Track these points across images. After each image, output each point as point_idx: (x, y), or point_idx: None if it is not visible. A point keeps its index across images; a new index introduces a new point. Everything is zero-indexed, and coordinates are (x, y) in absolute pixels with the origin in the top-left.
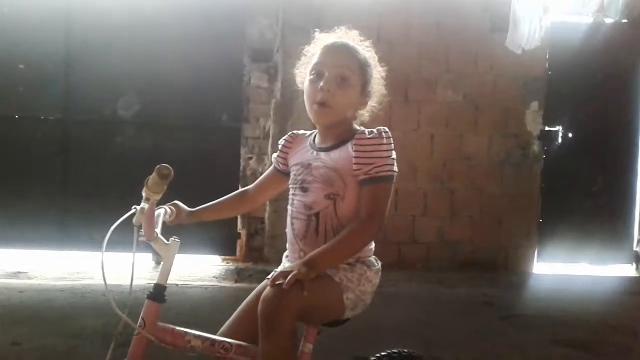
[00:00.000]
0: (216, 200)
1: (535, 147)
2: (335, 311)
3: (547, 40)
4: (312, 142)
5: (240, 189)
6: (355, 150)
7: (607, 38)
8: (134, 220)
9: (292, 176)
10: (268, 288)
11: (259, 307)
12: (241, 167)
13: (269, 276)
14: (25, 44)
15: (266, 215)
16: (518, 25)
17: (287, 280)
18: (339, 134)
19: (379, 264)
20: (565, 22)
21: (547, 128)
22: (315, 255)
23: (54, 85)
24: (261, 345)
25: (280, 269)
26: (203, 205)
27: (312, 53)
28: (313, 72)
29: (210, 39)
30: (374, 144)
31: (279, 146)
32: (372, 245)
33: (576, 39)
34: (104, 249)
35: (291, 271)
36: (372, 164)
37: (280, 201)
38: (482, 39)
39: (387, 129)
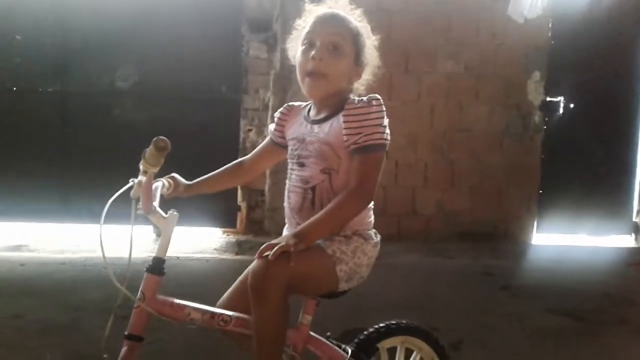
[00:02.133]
0: (213, 173)
1: (537, 117)
2: (328, 283)
3: (550, 9)
4: (306, 115)
5: (236, 161)
6: (344, 121)
7: (611, 7)
8: (132, 193)
9: (289, 151)
10: (256, 260)
11: (248, 279)
12: (241, 139)
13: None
14: (21, 15)
15: (266, 187)
16: None
17: (272, 252)
18: (332, 105)
19: (378, 237)
20: None
21: (548, 98)
22: (305, 227)
23: (51, 56)
24: (253, 316)
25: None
26: (200, 178)
27: (303, 26)
28: (305, 42)
29: (208, 9)
30: (362, 113)
31: (275, 119)
32: (372, 217)
33: (579, 8)
34: (102, 222)
35: (278, 243)
36: (360, 133)
37: (279, 173)
38: (483, 8)
39: (378, 97)
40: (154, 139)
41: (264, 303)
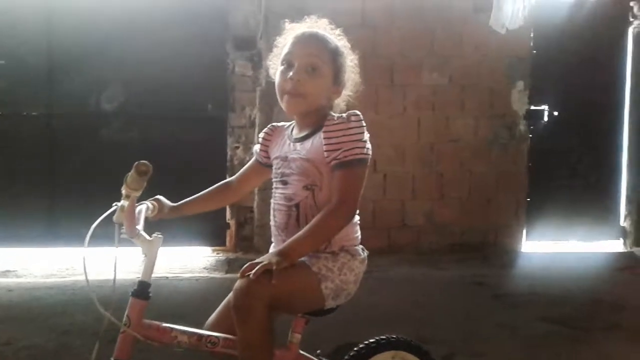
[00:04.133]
0: (199, 194)
1: (522, 126)
2: (314, 300)
3: (531, 19)
4: (289, 134)
5: (223, 182)
6: (324, 137)
7: (591, 15)
8: (114, 218)
9: (273, 170)
10: (239, 280)
11: (232, 298)
12: (228, 157)
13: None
14: (5, 38)
15: (255, 204)
16: (502, 5)
17: (254, 271)
18: (313, 123)
19: (365, 253)
20: (549, 0)
21: (533, 107)
22: (288, 245)
23: (37, 80)
24: (237, 336)
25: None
26: (186, 200)
27: (283, 44)
28: (284, 62)
29: (192, 29)
30: (341, 129)
31: (260, 139)
32: (358, 232)
33: (560, 16)
34: (85, 248)
35: (261, 262)
36: (340, 148)
37: (268, 190)
38: (466, 20)
39: (357, 112)
40: (135, 163)
41: (247, 322)
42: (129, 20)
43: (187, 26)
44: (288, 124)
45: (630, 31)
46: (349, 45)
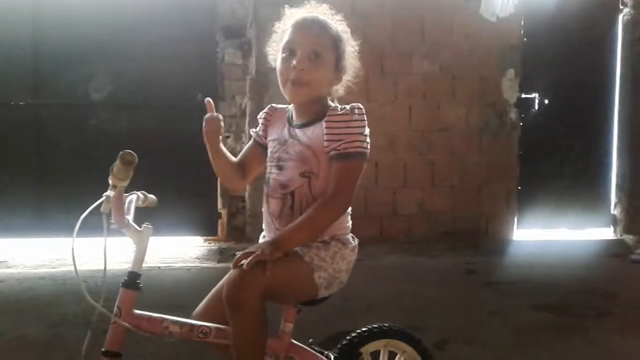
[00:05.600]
0: (230, 156)
1: (513, 114)
2: (307, 290)
3: (522, 7)
4: (289, 118)
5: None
6: (326, 127)
7: (582, 1)
8: (102, 208)
9: (269, 153)
10: (231, 270)
11: (224, 289)
12: None
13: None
14: None
15: (246, 194)
16: None
17: (247, 261)
18: (315, 110)
19: (356, 242)
20: None
21: (523, 95)
22: (282, 235)
23: (24, 69)
24: (230, 326)
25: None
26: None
27: (283, 30)
28: (285, 50)
29: (181, 17)
30: (344, 120)
31: (260, 120)
32: (349, 222)
33: (551, 4)
34: (74, 239)
35: (254, 252)
36: (341, 140)
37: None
38: (456, 8)
39: (360, 106)
40: (120, 152)
41: (241, 313)
42: (117, 10)
43: (176, 15)
44: (287, 106)
45: (621, 18)
46: (349, 30)
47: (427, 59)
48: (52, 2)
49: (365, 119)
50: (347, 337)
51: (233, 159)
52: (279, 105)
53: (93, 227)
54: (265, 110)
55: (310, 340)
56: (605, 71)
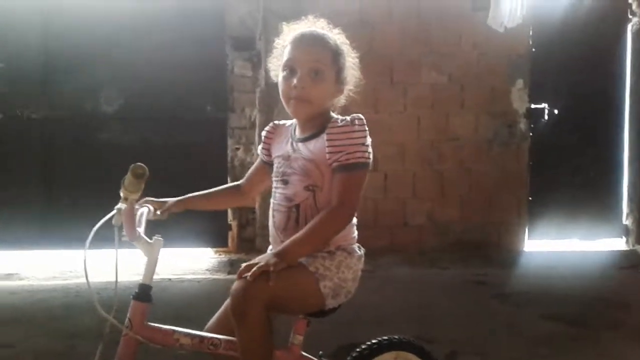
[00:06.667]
0: (208, 190)
1: (522, 125)
2: (313, 300)
3: (530, 16)
4: (292, 133)
5: (233, 183)
6: (327, 140)
7: (590, 11)
8: (114, 221)
9: (274, 169)
10: (235, 281)
11: (229, 301)
12: (229, 158)
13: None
14: (3, 42)
15: (257, 205)
16: (500, 3)
17: (251, 272)
18: (317, 124)
19: (362, 251)
20: None
21: (533, 105)
22: (286, 246)
23: (34, 83)
24: (236, 338)
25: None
26: (193, 194)
27: (283, 46)
28: (286, 68)
29: (190, 29)
30: (345, 132)
31: (262, 138)
32: (355, 233)
33: (559, 13)
34: (85, 252)
35: (257, 263)
36: (342, 151)
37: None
38: (464, 18)
39: (361, 116)
40: (131, 165)
41: (245, 324)
42: (127, 23)
43: (185, 27)
44: (290, 122)
45: (630, 28)
46: (348, 42)
47: (435, 69)
48: (63, 15)
49: (367, 129)
50: (357, 350)
51: (216, 190)
52: (281, 122)
53: (104, 239)
54: (267, 128)
55: (321, 352)
56: (614, 80)
